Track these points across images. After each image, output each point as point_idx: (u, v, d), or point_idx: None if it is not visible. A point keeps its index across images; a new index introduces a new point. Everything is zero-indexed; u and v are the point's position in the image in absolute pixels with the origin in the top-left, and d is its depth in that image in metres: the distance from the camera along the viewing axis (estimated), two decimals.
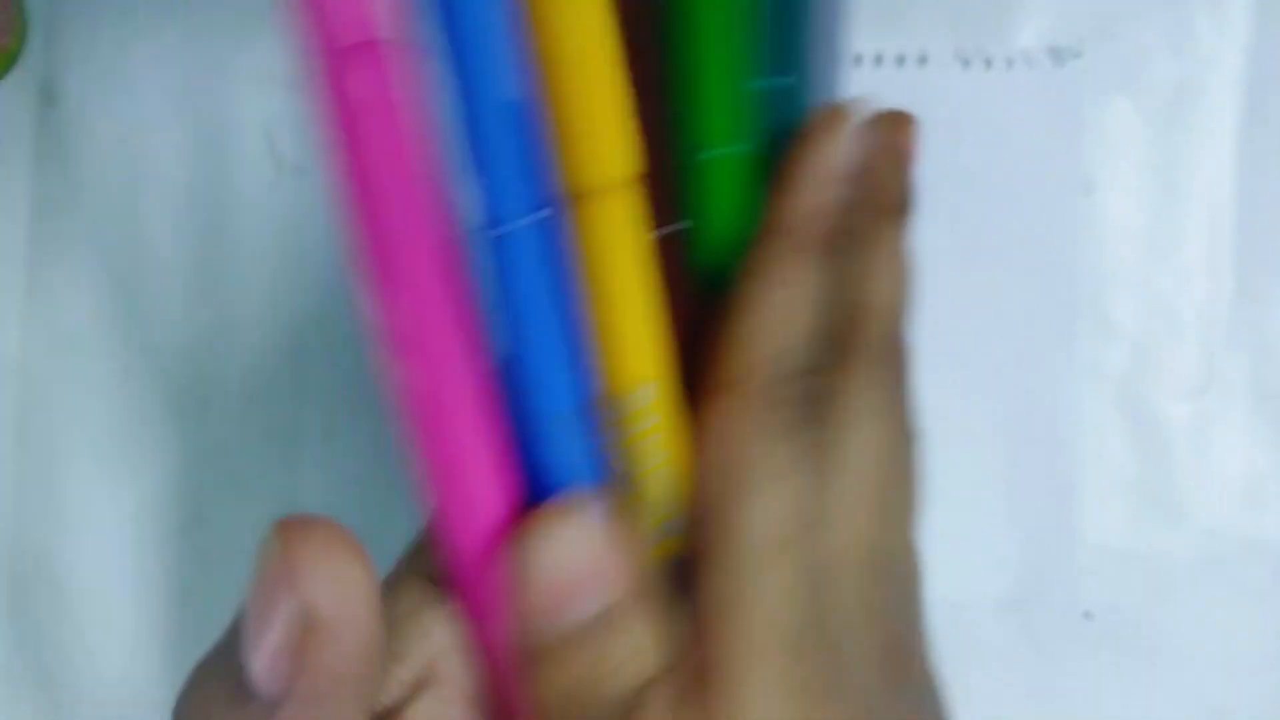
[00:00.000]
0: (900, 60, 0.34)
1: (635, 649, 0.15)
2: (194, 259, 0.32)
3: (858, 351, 0.20)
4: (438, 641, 0.16)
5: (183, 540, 0.32)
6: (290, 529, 0.13)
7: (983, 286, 0.32)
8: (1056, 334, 0.34)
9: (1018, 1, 0.34)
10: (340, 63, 0.15)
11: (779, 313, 0.18)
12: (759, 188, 0.21)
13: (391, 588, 0.16)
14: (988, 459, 0.32)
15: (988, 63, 0.34)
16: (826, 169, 0.20)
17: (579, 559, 0.14)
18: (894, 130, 0.20)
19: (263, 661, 0.13)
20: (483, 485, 0.15)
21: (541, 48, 0.16)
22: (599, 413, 0.17)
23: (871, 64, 0.34)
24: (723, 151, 0.20)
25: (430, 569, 0.16)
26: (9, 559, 0.31)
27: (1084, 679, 0.32)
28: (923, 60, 0.34)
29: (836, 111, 0.19)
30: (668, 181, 0.19)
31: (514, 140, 0.15)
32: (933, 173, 0.35)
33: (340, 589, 0.13)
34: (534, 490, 0.16)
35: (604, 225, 0.16)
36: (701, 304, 0.19)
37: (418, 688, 0.15)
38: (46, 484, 0.32)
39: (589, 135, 0.16)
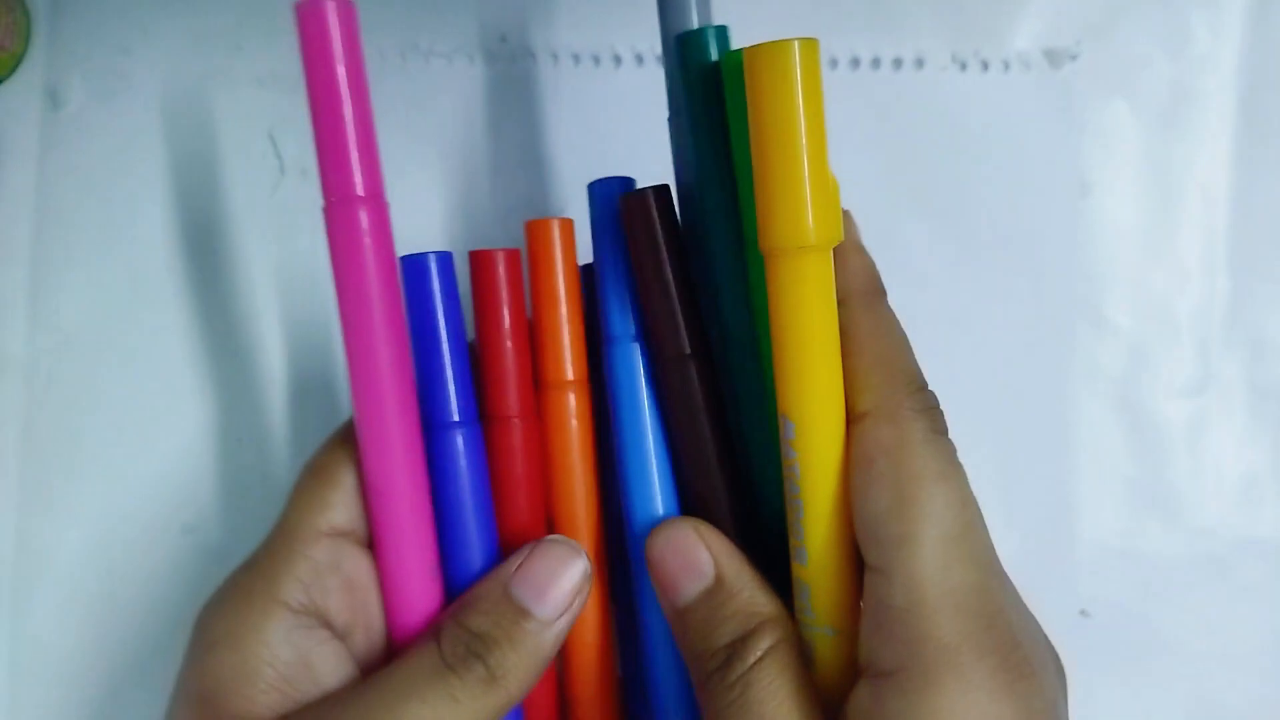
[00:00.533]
0: (897, 63, 0.34)
1: (733, 611, 0.21)
2: (197, 259, 0.32)
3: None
4: None
5: (184, 540, 0.32)
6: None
7: (980, 287, 0.33)
8: (1053, 334, 0.34)
9: (1014, 4, 0.35)
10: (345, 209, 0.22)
11: (892, 343, 0.22)
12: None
13: None
14: (985, 458, 0.32)
15: (984, 65, 0.34)
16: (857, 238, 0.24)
17: (672, 562, 0.22)
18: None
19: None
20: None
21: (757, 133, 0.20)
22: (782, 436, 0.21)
23: (869, 67, 0.34)
24: None
25: None
26: (13, 556, 0.32)
27: (1081, 676, 0.32)
28: (920, 63, 0.34)
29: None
30: None
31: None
32: (930, 174, 0.35)
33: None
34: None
35: (799, 277, 0.20)
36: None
37: None
38: (49, 483, 0.32)
39: (793, 206, 0.20)
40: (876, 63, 0.34)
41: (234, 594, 0.23)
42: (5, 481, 0.32)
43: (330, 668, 0.22)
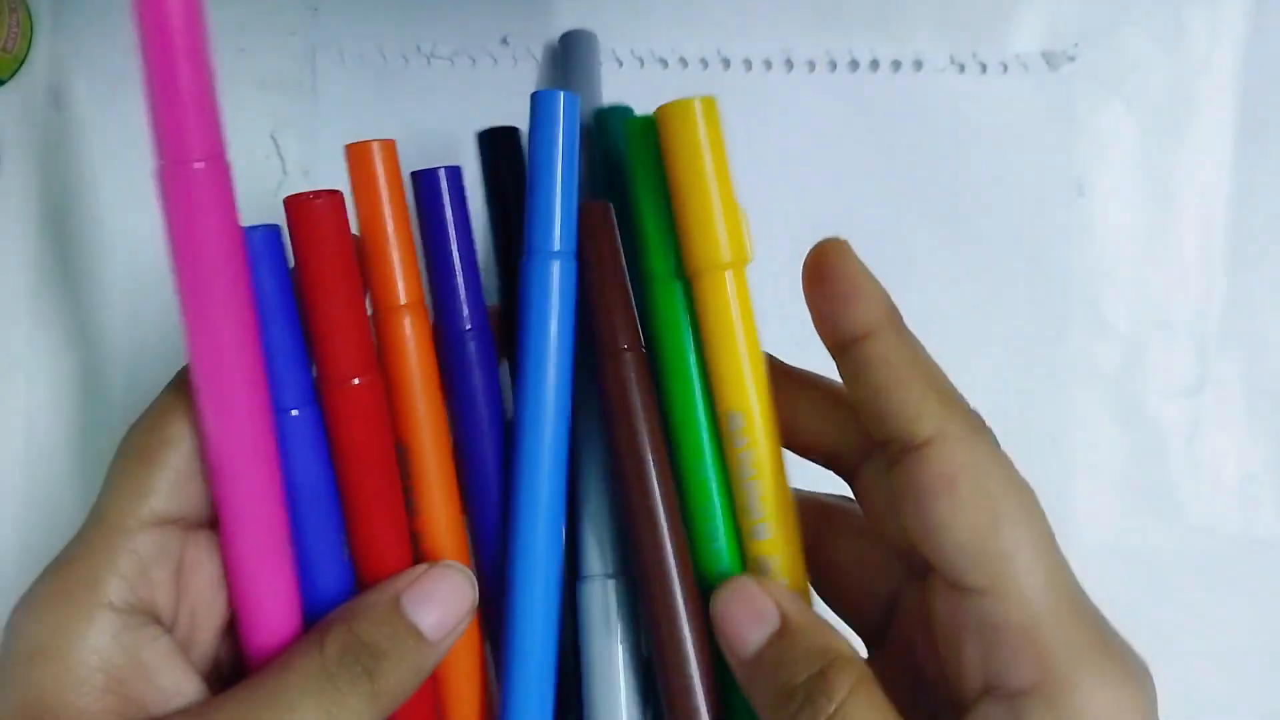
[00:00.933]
0: (896, 65, 0.34)
1: (804, 651, 0.21)
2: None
3: None
4: None
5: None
6: None
7: (978, 287, 0.33)
8: (1051, 334, 0.34)
9: (1012, 6, 0.35)
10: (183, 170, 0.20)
11: (931, 367, 0.22)
12: None
13: None
14: None
15: (983, 67, 0.35)
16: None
17: (738, 612, 0.22)
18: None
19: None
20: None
21: (671, 169, 0.23)
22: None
23: (868, 68, 0.34)
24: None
25: None
26: (15, 555, 0.32)
27: None
28: (918, 65, 0.34)
29: (838, 245, 0.23)
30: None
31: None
32: (929, 175, 0.35)
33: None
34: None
35: (719, 292, 0.23)
36: None
37: None
38: (52, 481, 0.32)
39: (705, 229, 0.23)
40: (875, 64, 0.34)
41: (51, 596, 0.21)
42: (7, 480, 0.32)
43: (165, 665, 0.21)
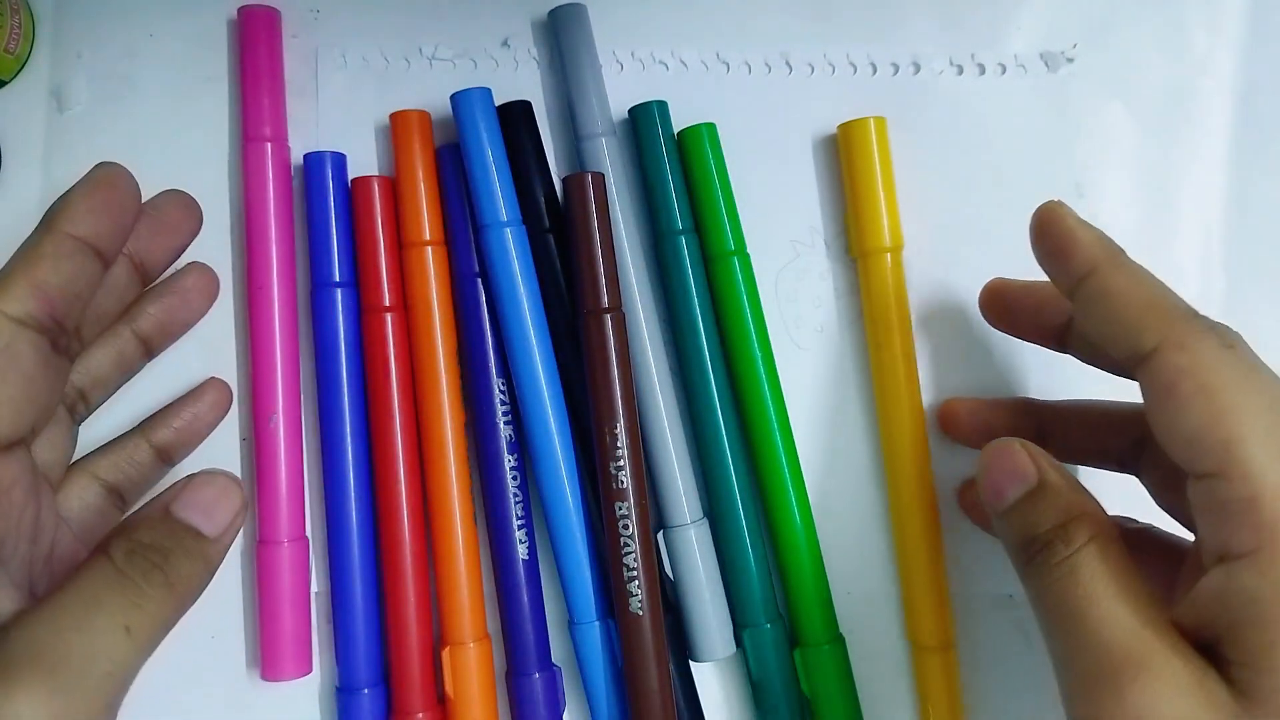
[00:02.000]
0: (895, 66, 0.35)
1: (1052, 506, 0.24)
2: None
3: None
4: None
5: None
6: None
7: (977, 288, 0.33)
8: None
9: (1011, 8, 0.35)
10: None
11: (1153, 285, 0.24)
12: None
13: None
14: None
15: (981, 68, 0.35)
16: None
17: (998, 468, 0.25)
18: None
19: None
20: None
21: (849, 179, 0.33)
22: None
23: (867, 70, 0.34)
24: None
25: None
26: None
27: None
28: (917, 66, 0.35)
29: (1052, 207, 0.26)
30: None
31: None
32: (927, 176, 0.35)
33: None
34: None
35: (881, 268, 0.32)
36: None
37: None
38: None
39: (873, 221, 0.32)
40: (874, 66, 0.35)
41: None
42: None
43: None
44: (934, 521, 0.31)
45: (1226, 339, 0.22)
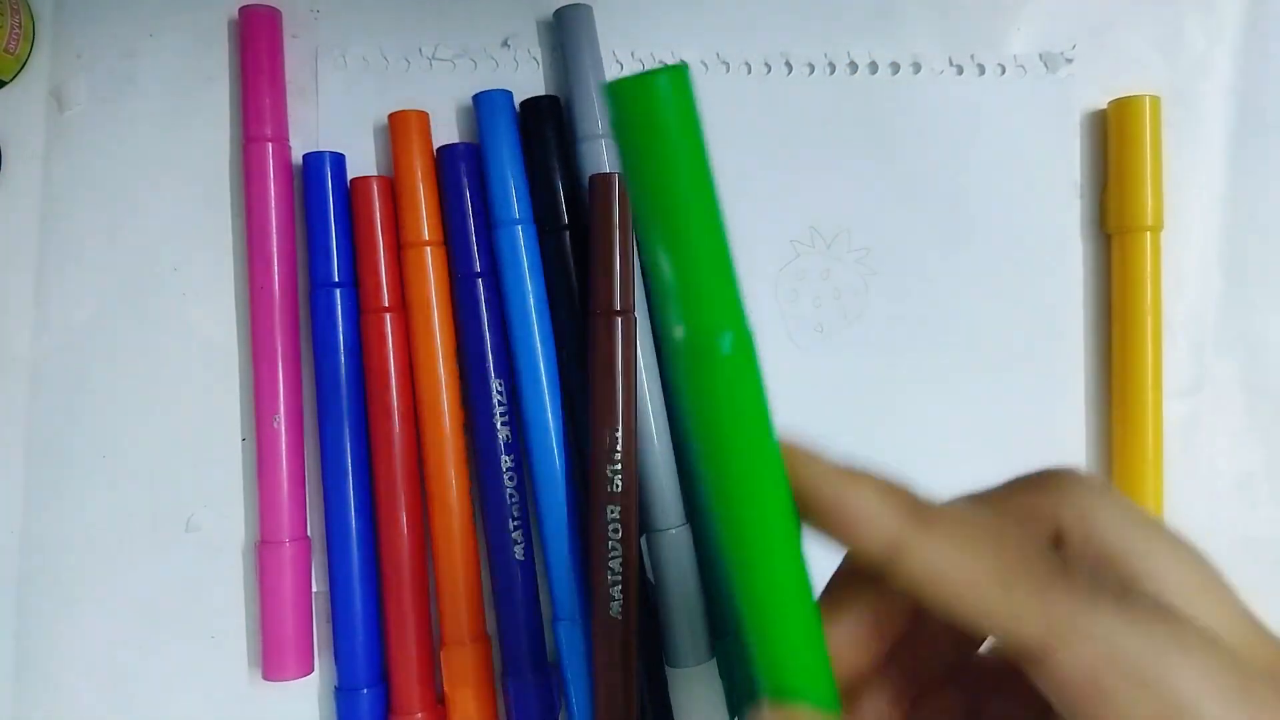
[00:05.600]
0: (895, 67, 0.35)
1: None
2: (202, 258, 0.32)
3: None
4: None
5: (186, 538, 0.32)
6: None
7: (976, 288, 0.33)
8: (1049, 334, 0.35)
9: (1011, 9, 0.35)
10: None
11: (975, 550, 0.17)
12: None
13: None
14: (983, 458, 0.32)
15: (981, 69, 0.35)
16: None
17: None
18: None
19: None
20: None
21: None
22: None
23: (866, 70, 0.34)
24: None
25: None
26: (18, 554, 0.32)
27: None
28: (917, 67, 0.35)
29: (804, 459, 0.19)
30: None
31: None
32: (927, 177, 0.35)
33: None
34: None
35: (1140, 247, 0.33)
36: None
37: None
38: (54, 481, 0.32)
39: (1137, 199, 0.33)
40: (874, 66, 0.35)
41: None
42: (10, 479, 0.32)
43: None
44: None
45: (1086, 577, 0.16)
